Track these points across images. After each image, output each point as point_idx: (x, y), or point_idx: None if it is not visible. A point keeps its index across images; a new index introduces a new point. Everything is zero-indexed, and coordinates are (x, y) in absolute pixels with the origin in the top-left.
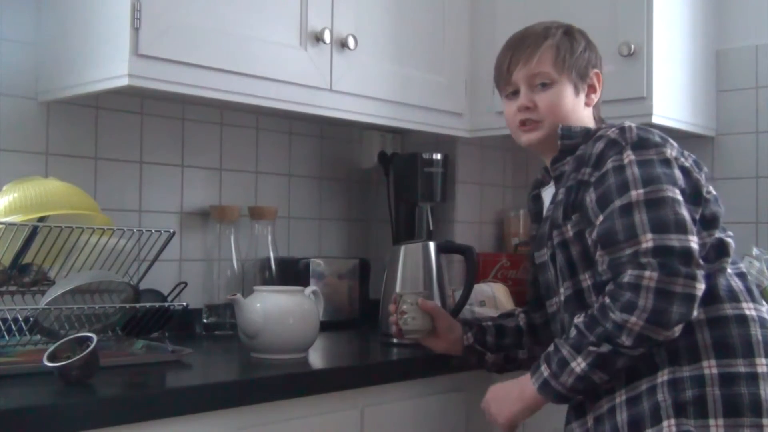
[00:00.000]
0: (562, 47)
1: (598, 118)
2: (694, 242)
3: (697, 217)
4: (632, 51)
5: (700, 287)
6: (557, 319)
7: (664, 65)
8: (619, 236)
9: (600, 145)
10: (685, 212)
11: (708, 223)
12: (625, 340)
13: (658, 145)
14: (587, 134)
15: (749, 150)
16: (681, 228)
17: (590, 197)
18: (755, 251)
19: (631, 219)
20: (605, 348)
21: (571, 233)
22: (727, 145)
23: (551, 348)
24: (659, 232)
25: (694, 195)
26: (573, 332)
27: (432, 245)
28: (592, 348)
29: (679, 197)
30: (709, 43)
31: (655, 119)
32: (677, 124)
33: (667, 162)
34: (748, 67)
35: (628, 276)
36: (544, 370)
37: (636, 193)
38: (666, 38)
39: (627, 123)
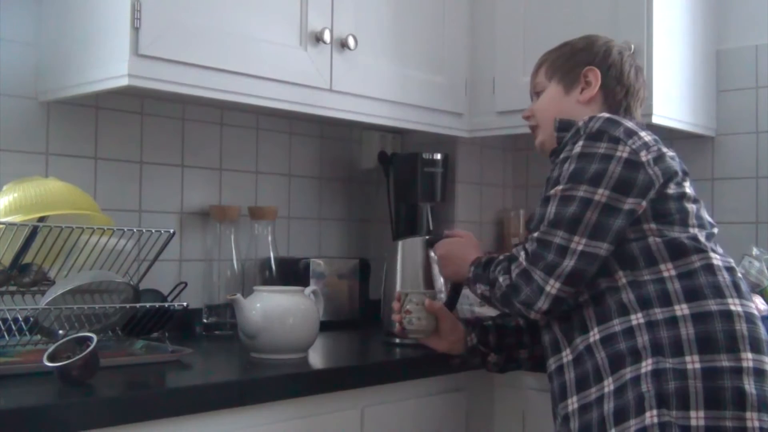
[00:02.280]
0: (554, 57)
1: (629, 116)
2: (576, 243)
3: (639, 210)
4: (632, 51)
5: (554, 285)
6: (550, 330)
7: (664, 65)
8: (532, 224)
9: (568, 135)
10: (589, 213)
11: (668, 217)
12: (495, 293)
13: (612, 140)
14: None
15: (749, 150)
16: (571, 227)
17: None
18: (755, 251)
19: (544, 210)
20: (485, 289)
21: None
22: (727, 145)
23: (480, 255)
24: (550, 226)
25: (636, 191)
26: (489, 264)
27: (435, 237)
28: (482, 285)
29: (595, 197)
30: (709, 43)
31: (655, 119)
32: (677, 124)
33: (607, 158)
34: (748, 67)
35: (515, 250)
36: (470, 274)
37: (555, 190)
38: (666, 38)
39: (601, 114)
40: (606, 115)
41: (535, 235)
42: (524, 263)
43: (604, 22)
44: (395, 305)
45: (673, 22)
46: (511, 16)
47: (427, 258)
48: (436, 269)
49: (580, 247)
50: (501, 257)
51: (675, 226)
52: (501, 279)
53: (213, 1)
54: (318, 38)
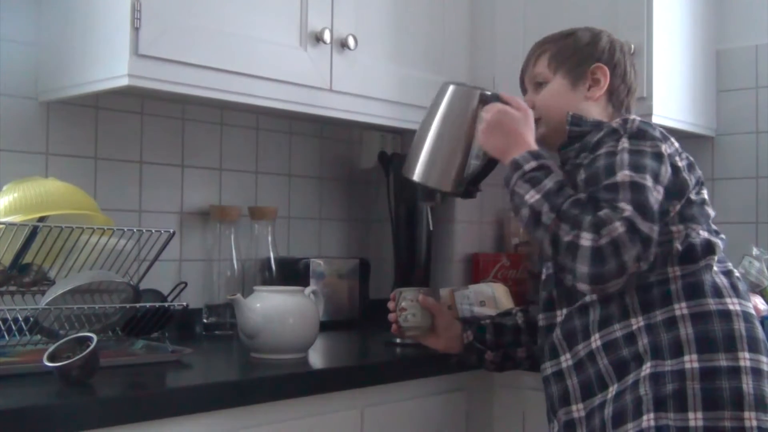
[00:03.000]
0: (559, 47)
1: (612, 113)
2: (656, 234)
3: (672, 212)
4: (632, 51)
5: (635, 269)
6: (552, 333)
7: (664, 65)
8: (605, 196)
9: (602, 133)
10: (657, 206)
11: (689, 220)
12: (561, 234)
13: (655, 139)
14: (598, 125)
15: (749, 150)
16: (652, 217)
17: (579, 178)
18: (755, 251)
19: (614, 194)
20: (550, 216)
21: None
22: (727, 145)
23: (555, 170)
24: (636, 210)
25: (677, 193)
26: (569, 190)
27: (489, 96)
28: (546, 206)
29: (655, 192)
30: (709, 43)
31: (655, 119)
32: (677, 124)
33: (658, 156)
34: (748, 67)
35: (605, 213)
36: (527, 165)
37: (622, 174)
38: (666, 38)
39: (632, 116)
40: (638, 117)
41: (626, 214)
42: (619, 235)
43: (604, 22)
44: (390, 305)
45: (673, 22)
46: (511, 16)
47: (475, 116)
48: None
49: (656, 237)
50: (584, 197)
51: (701, 226)
52: (587, 234)
53: (213, 1)
54: (318, 38)
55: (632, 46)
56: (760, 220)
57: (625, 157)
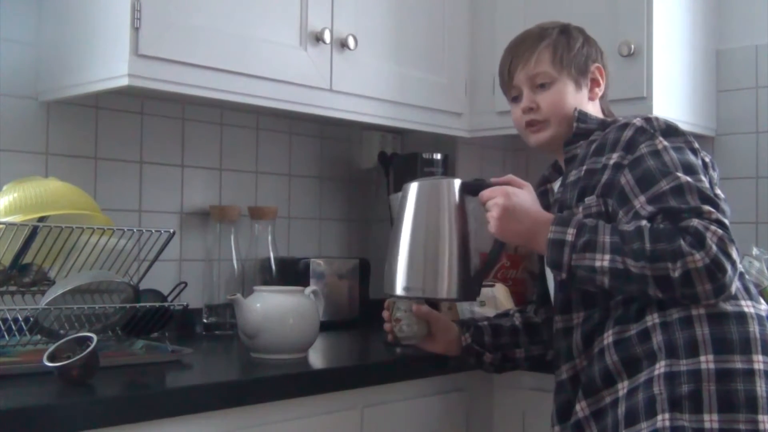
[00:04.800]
0: (559, 45)
1: (608, 112)
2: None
3: None
4: (632, 51)
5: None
6: (569, 336)
7: (664, 65)
8: (681, 206)
9: (629, 132)
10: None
11: None
12: (672, 271)
13: (685, 134)
14: (603, 123)
15: (749, 150)
16: (718, 207)
17: (626, 178)
18: (755, 251)
19: (684, 198)
20: (638, 265)
21: (582, 216)
22: (727, 145)
23: (591, 223)
24: (711, 206)
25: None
26: (629, 228)
27: (456, 183)
28: (628, 259)
29: (706, 182)
30: (709, 43)
31: None
32: (677, 125)
33: (695, 152)
34: (748, 67)
35: (696, 222)
36: (569, 236)
37: (679, 176)
38: (666, 38)
39: (652, 115)
40: (657, 116)
41: (714, 216)
42: (721, 236)
43: (604, 22)
44: (385, 314)
45: (673, 22)
46: (511, 16)
47: (462, 208)
48: (472, 223)
49: None
50: (650, 224)
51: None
52: (696, 255)
53: (213, 1)
54: (318, 38)
55: (632, 46)
56: (760, 220)
57: (674, 155)
